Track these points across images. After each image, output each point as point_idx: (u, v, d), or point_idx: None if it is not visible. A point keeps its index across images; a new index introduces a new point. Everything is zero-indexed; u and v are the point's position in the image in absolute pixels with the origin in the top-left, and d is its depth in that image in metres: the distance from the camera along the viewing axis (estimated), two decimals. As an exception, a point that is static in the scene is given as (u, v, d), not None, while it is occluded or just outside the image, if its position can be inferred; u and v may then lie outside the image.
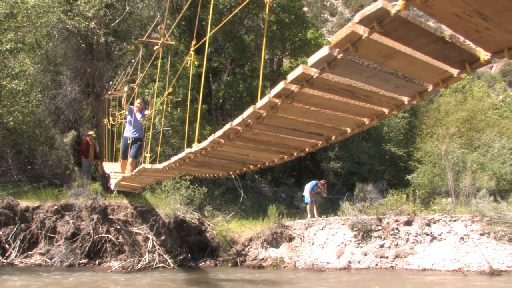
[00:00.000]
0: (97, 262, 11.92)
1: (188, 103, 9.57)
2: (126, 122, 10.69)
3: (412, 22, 1.95)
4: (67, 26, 13.43)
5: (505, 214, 12.11)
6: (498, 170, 16.66)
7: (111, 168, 12.78)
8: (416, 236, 12.53)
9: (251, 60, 23.17)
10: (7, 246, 11.52)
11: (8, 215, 11.82)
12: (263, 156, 4.95)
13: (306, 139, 4.14)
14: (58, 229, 12.08)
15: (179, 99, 15.21)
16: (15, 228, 11.75)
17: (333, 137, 3.96)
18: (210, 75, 21.36)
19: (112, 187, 11.07)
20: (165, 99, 8.73)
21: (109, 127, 14.24)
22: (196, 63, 7.10)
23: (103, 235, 12.23)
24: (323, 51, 2.30)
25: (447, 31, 2.09)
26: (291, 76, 2.71)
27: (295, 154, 4.63)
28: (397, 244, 12.54)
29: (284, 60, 25.39)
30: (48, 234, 11.93)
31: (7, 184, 13.52)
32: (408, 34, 2.05)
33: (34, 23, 13.16)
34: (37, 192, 13.11)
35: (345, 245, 12.90)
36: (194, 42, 6.76)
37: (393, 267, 12.19)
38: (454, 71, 2.45)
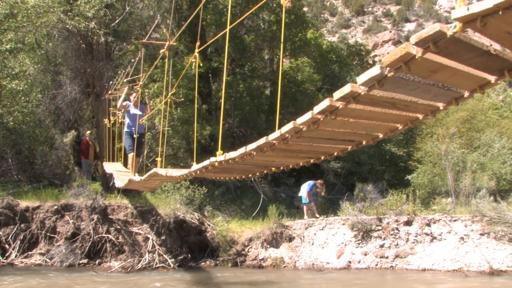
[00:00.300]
0: (97, 262, 11.92)
1: (195, 104, 9.55)
2: (125, 116, 10.44)
3: (463, 41, 2.03)
4: (67, 26, 13.44)
5: (505, 214, 12.10)
6: (498, 170, 16.64)
7: (113, 168, 12.74)
8: (416, 236, 12.53)
9: (251, 60, 23.17)
10: (7, 246, 11.52)
11: (8, 215, 11.82)
12: (290, 161, 4.91)
13: (338, 145, 4.15)
14: (58, 229, 12.09)
15: (182, 99, 15.21)
16: (15, 228, 11.76)
17: (364, 142, 3.99)
18: (210, 75, 21.37)
19: (118, 185, 10.93)
20: (168, 99, 8.70)
21: (109, 126, 14.24)
22: (201, 64, 7.03)
23: (103, 235, 12.23)
24: (375, 70, 2.36)
25: (489, 43, 2.18)
26: (338, 94, 2.73)
27: (322, 158, 4.63)
28: (397, 244, 12.54)
29: (284, 60, 25.38)
30: (48, 234, 11.94)
31: (7, 184, 13.53)
32: (458, 50, 2.15)
33: (34, 23, 13.17)
34: (37, 192, 13.12)
35: (345, 245, 12.90)
36: (198, 43, 6.66)
37: (393, 267, 12.19)
38: (492, 78, 2.54)
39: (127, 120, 10.26)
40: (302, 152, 4.40)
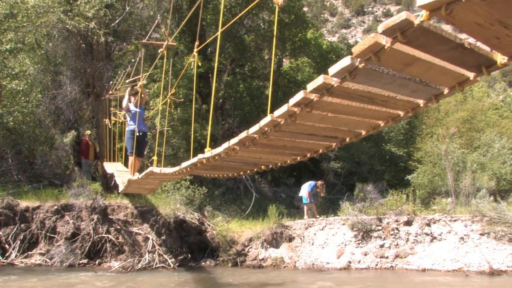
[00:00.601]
0: (97, 262, 11.93)
1: (193, 104, 9.56)
2: (128, 116, 10.07)
3: (433, 31, 1.98)
4: (67, 26, 13.44)
5: (505, 214, 12.10)
6: (498, 170, 16.65)
7: (114, 168, 12.73)
8: (416, 236, 12.53)
9: (251, 60, 23.16)
10: (7, 246, 11.53)
11: (8, 215, 11.83)
12: (276, 158, 4.93)
13: (321, 142, 4.14)
14: (58, 229, 12.09)
15: (182, 99, 15.20)
16: (15, 228, 11.76)
17: (348, 139, 3.98)
18: (210, 75, 21.37)
19: (120, 189, 10.80)
20: (168, 100, 8.70)
21: (110, 126, 14.24)
22: (200, 64, 7.05)
23: (103, 235, 12.23)
24: (345, 61, 2.32)
25: (464, 37, 2.13)
26: (311, 86, 2.70)
27: (308, 155, 4.63)
28: (397, 244, 12.54)
29: (284, 60, 25.38)
30: (48, 234, 11.94)
31: (7, 184, 13.53)
32: (429, 42, 2.10)
33: (34, 23, 13.17)
34: (37, 192, 13.12)
35: (345, 245, 12.90)
36: (197, 43, 6.66)
37: (393, 267, 12.19)
38: (471, 75, 2.50)
39: (128, 120, 10.09)
40: (286, 149, 4.40)
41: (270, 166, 5.35)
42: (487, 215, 12.31)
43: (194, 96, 10.16)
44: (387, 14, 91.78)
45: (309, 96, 2.84)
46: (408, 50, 2.16)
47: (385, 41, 2.05)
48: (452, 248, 12.16)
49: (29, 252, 11.66)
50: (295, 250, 13.10)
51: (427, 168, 18.29)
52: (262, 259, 12.97)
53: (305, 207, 14.76)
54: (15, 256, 11.43)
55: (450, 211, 13.79)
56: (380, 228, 12.88)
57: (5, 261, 11.27)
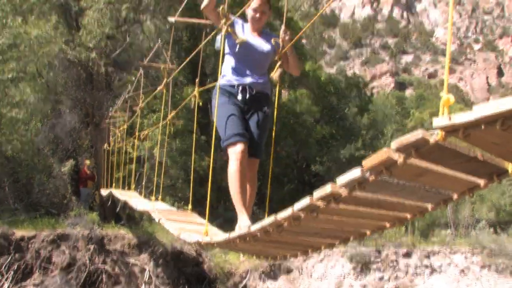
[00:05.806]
0: (92, 293, 11.73)
1: (194, 137, 9.57)
2: (227, 50, 4.13)
3: (448, 148, 1.99)
4: (68, 56, 13.61)
5: (505, 246, 12.01)
6: (497, 201, 16.61)
7: (145, 205, 11.69)
8: (415, 269, 12.39)
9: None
10: (0, 276, 11.34)
11: (2, 244, 11.68)
12: (276, 251, 4.90)
13: (323, 239, 4.12)
14: (53, 259, 11.92)
15: (181, 121, 15.18)
16: (9, 258, 11.59)
17: (351, 238, 3.96)
18: (208, 106, 21.47)
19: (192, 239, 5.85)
20: (168, 121, 8.67)
21: (109, 148, 14.20)
22: (201, 104, 7.03)
23: (99, 265, 12.07)
24: (355, 173, 2.28)
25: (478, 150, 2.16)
26: (318, 194, 2.64)
27: (310, 251, 4.58)
28: (396, 277, 12.39)
29: (282, 91, 25.60)
30: (43, 264, 11.77)
31: (3, 213, 13.42)
32: (443, 156, 2.09)
33: (36, 53, 13.34)
34: (33, 221, 13.00)
35: (344, 277, 12.74)
36: (198, 85, 6.70)
37: (393, 300, 12.01)
38: (482, 182, 2.51)
39: (228, 63, 4.09)
40: (288, 244, 4.36)
41: (269, 258, 5.30)
42: (487, 247, 12.21)
43: (194, 132, 10.12)
44: (385, 47, 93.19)
45: (316, 203, 2.78)
46: (421, 163, 2.14)
47: (398, 156, 2.03)
48: (452, 280, 12.01)
49: (23, 283, 11.46)
50: (293, 283, 12.93)
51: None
52: (260, 291, 12.79)
53: None
54: (8, 287, 11.23)
55: (450, 242, 13.68)
56: (379, 260, 12.75)
57: (-3, 292, 11.08)
